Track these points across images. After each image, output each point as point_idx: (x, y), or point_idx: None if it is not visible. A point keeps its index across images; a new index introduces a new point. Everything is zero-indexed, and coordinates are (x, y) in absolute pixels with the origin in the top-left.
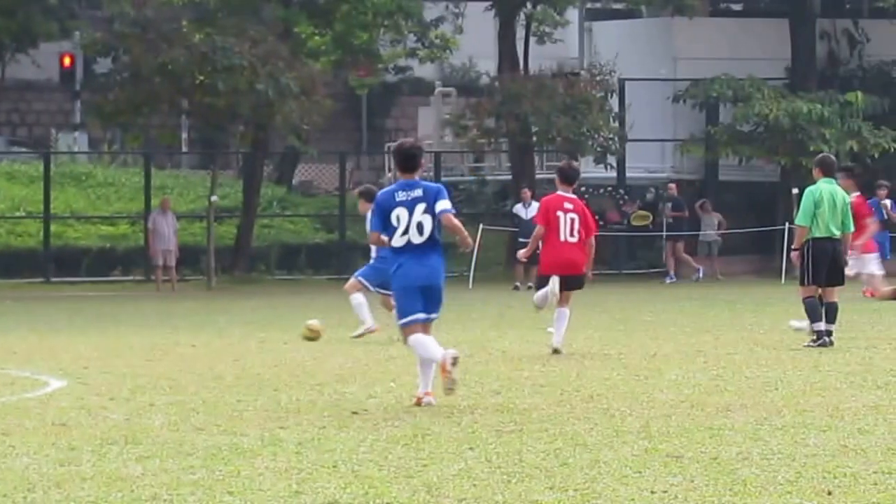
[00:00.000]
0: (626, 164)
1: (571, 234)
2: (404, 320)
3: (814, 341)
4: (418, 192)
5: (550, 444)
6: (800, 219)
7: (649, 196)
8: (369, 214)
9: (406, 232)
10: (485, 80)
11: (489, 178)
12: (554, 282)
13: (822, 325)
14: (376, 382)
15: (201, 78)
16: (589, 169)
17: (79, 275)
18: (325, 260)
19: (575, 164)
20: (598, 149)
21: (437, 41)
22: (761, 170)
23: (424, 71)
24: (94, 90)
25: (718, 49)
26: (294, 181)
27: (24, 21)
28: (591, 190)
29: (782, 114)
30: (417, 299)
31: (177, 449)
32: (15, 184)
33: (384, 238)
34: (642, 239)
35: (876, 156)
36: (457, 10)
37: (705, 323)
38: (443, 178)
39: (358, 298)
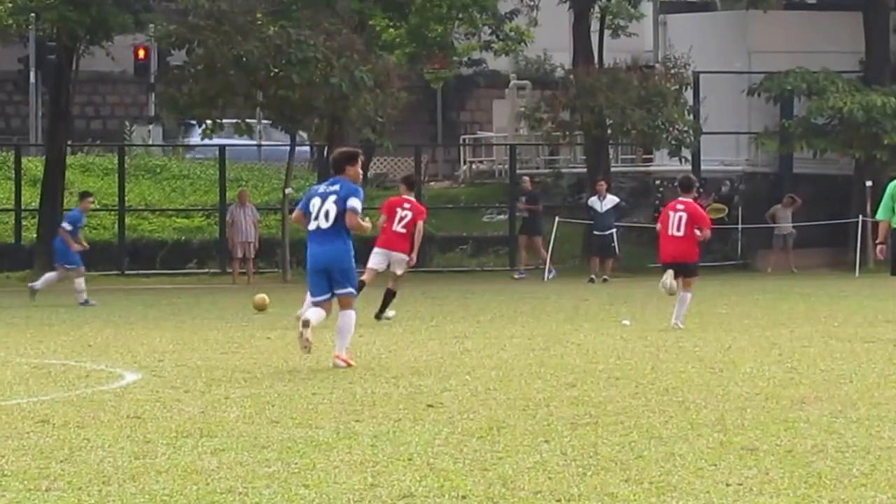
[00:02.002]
0: (701, 157)
1: (678, 230)
2: (313, 299)
3: None
4: (336, 188)
5: (625, 437)
6: (878, 212)
7: (724, 189)
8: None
9: (316, 218)
10: (559, 72)
11: (564, 170)
12: (668, 274)
13: None
14: (451, 375)
15: (276, 71)
16: (664, 162)
17: (154, 267)
18: None
19: (692, 176)
20: (673, 142)
21: (512, 34)
22: (836, 163)
23: (499, 64)
24: (169, 83)
25: (793, 42)
26: (369, 174)
27: (98, 14)
28: (665, 183)
29: (856, 107)
30: (323, 280)
31: (252, 442)
32: (90, 176)
33: (303, 219)
34: (717, 232)
35: None
36: (531, 3)
37: (780, 316)
38: (518, 171)
39: None
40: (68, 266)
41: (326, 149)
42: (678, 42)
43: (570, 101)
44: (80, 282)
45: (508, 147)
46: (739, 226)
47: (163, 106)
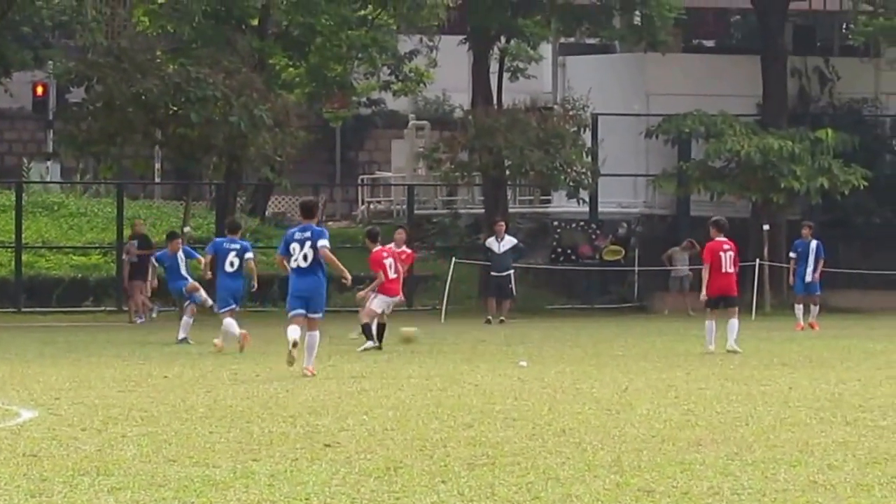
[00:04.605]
0: (599, 199)
1: (730, 267)
2: (292, 314)
3: None
4: (308, 234)
5: (522, 478)
6: None
7: (621, 231)
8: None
9: (297, 259)
10: (458, 113)
11: (462, 211)
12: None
13: None
14: (349, 415)
15: (175, 108)
16: (562, 203)
17: (50, 305)
18: None
19: (723, 220)
20: (571, 183)
21: (412, 74)
22: (732, 205)
23: (398, 104)
24: (67, 120)
25: (691, 85)
26: (267, 213)
27: None
28: (563, 224)
29: (753, 150)
30: (299, 303)
31: (149, 480)
32: None
33: (285, 262)
34: (614, 273)
35: (846, 193)
36: (431, 44)
37: (676, 358)
38: (416, 211)
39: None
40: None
41: (225, 187)
42: (577, 84)
43: (469, 141)
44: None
45: (406, 187)
46: (636, 268)
47: (61, 143)
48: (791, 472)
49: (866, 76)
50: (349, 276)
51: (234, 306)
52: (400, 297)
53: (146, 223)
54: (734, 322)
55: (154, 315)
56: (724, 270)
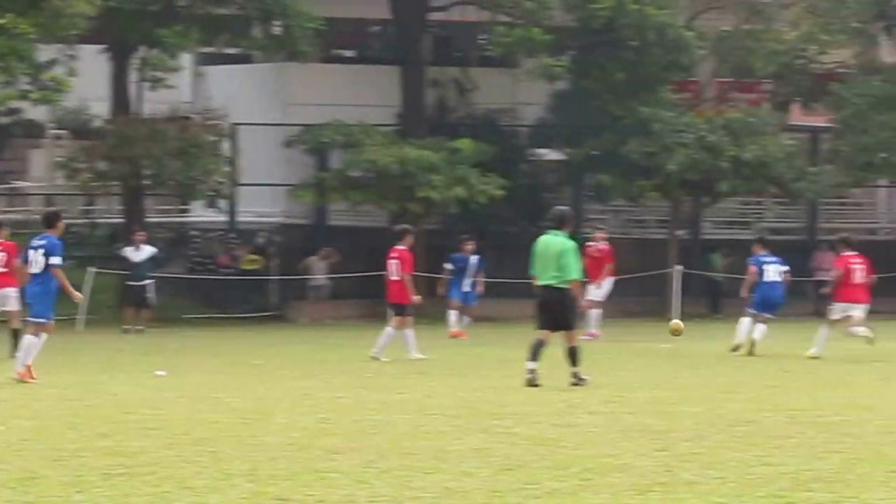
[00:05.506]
0: (238, 209)
1: (394, 274)
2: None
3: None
4: (43, 242)
5: (158, 488)
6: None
7: (260, 240)
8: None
9: (33, 266)
10: (98, 122)
11: (101, 220)
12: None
13: (533, 365)
14: None
15: None
16: (201, 213)
17: None
18: None
19: (408, 226)
20: (209, 193)
21: (51, 83)
22: (371, 215)
23: (37, 113)
24: None
25: (330, 95)
26: None
27: None
28: (202, 234)
29: (392, 160)
30: (28, 310)
31: None
32: None
33: (25, 269)
34: (253, 282)
35: (484, 202)
36: (71, 53)
37: (314, 367)
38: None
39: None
40: None
41: None
42: (217, 93)
43: (108, 151)
44: None
45: (44, 196)
46: (274, 277)
47: None
48: (426, 479)
49: (504, 86)
50: (79, 296)
51: None
52: (10, 290)
53: None
54: (391, 332)
55: None
56: (390, 277)
